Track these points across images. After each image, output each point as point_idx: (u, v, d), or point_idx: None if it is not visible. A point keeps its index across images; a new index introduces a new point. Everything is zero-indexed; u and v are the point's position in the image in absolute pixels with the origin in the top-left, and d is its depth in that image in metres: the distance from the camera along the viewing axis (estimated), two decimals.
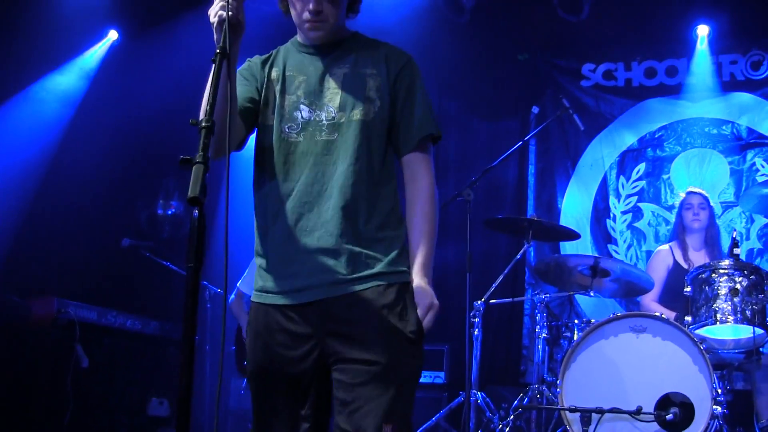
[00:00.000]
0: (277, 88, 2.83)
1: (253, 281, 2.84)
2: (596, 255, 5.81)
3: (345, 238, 2.69)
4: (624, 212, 7.89)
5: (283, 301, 2.73)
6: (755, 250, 7.53)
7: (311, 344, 2.69)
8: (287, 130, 2.78)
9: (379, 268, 2.70)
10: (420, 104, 2.85)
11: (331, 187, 2.72)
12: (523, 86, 8.17)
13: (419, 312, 2.68)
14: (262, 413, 2.77)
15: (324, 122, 2.77)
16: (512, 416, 5.32)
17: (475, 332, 5.72)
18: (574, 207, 8.00)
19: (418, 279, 2.73)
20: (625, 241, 7.84)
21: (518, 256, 5.82)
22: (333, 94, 2.80)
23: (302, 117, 2.78)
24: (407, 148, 2.83)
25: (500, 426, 5.30)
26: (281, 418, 2.73)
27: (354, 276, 2.68)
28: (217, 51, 2.43)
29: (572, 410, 4.74)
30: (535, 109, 7.06)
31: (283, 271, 2.74)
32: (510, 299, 6.15)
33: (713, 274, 5.13)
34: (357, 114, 2.76)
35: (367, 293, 2.67)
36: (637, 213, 7.87)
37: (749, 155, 7.68)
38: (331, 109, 2.77)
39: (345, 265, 2.68)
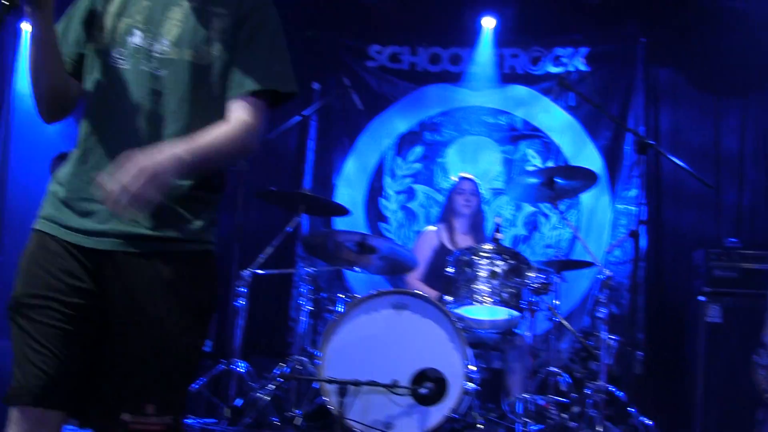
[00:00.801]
0: (115, 10, 2.55)
1: None
2: (364, 232, 5.89)
3: None
4: (398, 192, 8.05)
5: (70, 238, 2.44)
6: (521, 236, 7.84)
7: (90, 291, 2.41)
8: (116, 55, 2.50)
9: (183, 232, 2.44)
10: (265, 52, 2.57)
11: (151, 128, 2.45)
12: (309, 62, 8.18)
13: (125, 169, 2.21)
14: (23, 350, 2.40)
15: (155, 53, 2.49)
16: (272, 386, 5.34)
17: (241, 302, 5.71)
18: (350, 184, 8.10)
19: (166, 148, 2.31)
20: (397, 221, 8.00)
21: (288, 229, 5.83)
22: (172, 26, 2.51)
23: (133, 43, 2.50)
24: (234, 94, 2.53)
25: (260, 395, 5.31)
26: (43, 352, 2.37)
27: (154, 234, 2.41)
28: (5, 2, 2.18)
29: (330, 381, 4.79)
30: (316, 86, 7.10)
31: (80, 206, 2.44)
32: (278, 271, 6.16)
33: (475, 257, 5.31)
34: (190, 54, 2.49)
35: (161, 256, 2.42)
36: (410, 194, 8.04)
37: (522, 146, 7.99)
38: (165, 42, 2.50)
39: (147, 219, 2.39)
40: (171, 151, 2.31)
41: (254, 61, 2.55)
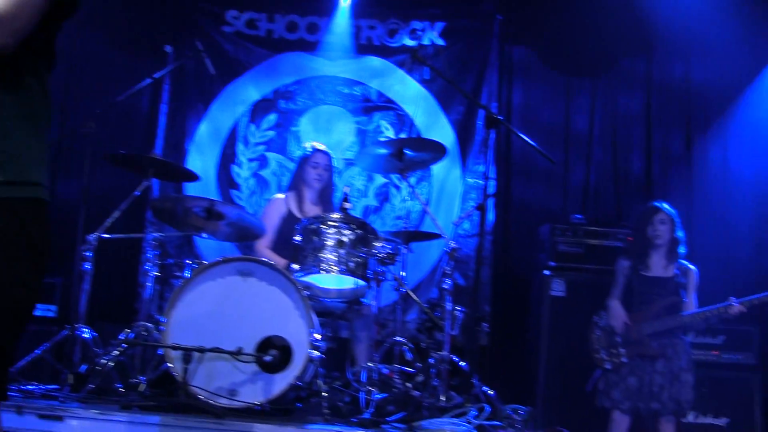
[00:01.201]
0: None
1: None
2: (212, 198, 5.81)
3: None
4: (251, 160, 7.98)
5: None
6: (371, 207, 7.88)
7: None
8: None
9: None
10: None
11: None
12: (164, 25, 8.02)
13: None
14: None
15: None
16: (116, 352, 5.24)
17: (86, 266, 5.57)
18: (202, 150, 7.99)
19: None
20: (249, 188, 7.94)
21: (136, 193, 5.71)
22: None
23: None
24: None
25: (104, 361, 5.20)
26: None
27: None
28: None
29: (174, 348, 4.73)
30: (168, 48, 6.98)
31: None
32: (125, 235, 6.03)
33: (322, 226, 5.29)
34: None
35: None
36: (263, 162, 7.99)
37: (376, 117, 8.03)
38: None
39: None
40: None
41: None
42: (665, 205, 6.23)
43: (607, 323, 6.10)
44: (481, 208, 5.47)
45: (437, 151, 5.89)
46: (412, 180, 7.73)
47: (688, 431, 6.55)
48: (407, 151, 5.71)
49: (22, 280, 2.35)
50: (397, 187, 7.82)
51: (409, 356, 5.61)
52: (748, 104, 8.16)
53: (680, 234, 6.15)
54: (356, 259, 5.28)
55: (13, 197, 2.32)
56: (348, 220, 5.33)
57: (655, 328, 5.94)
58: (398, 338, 5.63)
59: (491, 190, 7.75)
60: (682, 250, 6.15)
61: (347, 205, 5.43)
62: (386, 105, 8.04)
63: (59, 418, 4.51)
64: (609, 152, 8.17)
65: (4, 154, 2.32)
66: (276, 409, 4.86)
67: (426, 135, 7.72)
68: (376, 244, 5.36)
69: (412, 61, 7.81)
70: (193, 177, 6.10)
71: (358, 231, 5.32)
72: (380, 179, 7.87)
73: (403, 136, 7.81)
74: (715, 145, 8.18)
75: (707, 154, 8.16)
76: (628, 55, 8.32)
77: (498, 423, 5.07)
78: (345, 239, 5.26)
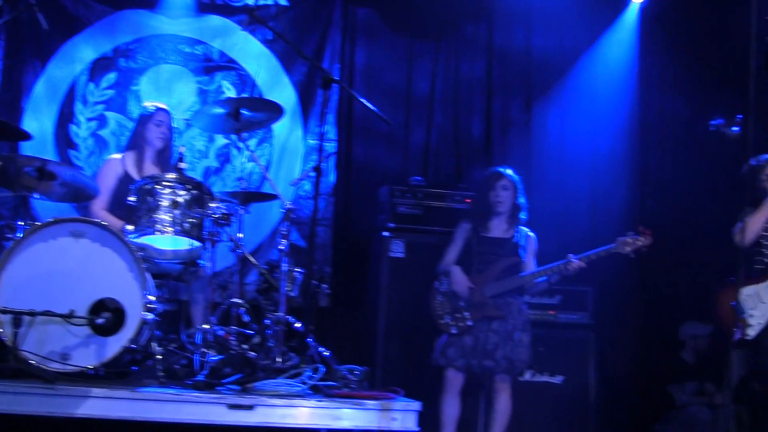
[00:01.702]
0: None
1: None
2: (44, 158, 5.66)
3: None
4: (90, 119, 7.78)
5: None
6: (212, 168, 7.82)
7: None
8: None
9: None
10: None
11: None
12: None
13: None
14: None
15: None
16: None
17: None
18: (40, 108, 7.73)
19: None
20: (87, 148, 7.75)
21: None
22: None
23: None
24: None
25: None
26: None
27: None
28: None
29: (3, 312, 4.62)
30: None
31: None
32: None
33: (157, 186, 5.23)
34: None
35: None
36: (102, 121, 7.80)
37: (217, 77, 7.95)
38: None
39: None
40: None
41: None
42: (509, 171, 6.31)
43: (449, 288, 6.16)
44: (317, 170, 5.50)
45: (274, 111, 5.89)
46: (253, 141, 7.71)
47: (525, 389, 6.75)
48: (244, 111, 5.68)
49: None
50: (238, 148, 7.77)
51: (246, 318, 5.61)
52: (584, 73, 8.42)
53: (522, 200, 6.28)
54: (191, 220, 5.25)
55: None
56: (183, 181, 5.29)
57: (497, 290, 6.06)
58: (235, 300, 5.63)
59: (332, 150, 7.80)
60: (523, 216, 6.27)
61: (182, 165, 5.40)
62: (228, 65, 7.96)
63: None
64: (450, 116, 8.31)
65: None
66: (110, 373, 4.83)
67: (268, 96, 7.67)
68: (212, 204, 5.34)
69: (250, 21, 7.75)
70: (25, 136, 5.93)
71: (194, 191, 5.29)
72: (221, 140, 7.80)
73: (245, 96, 7.74)
74: (553, 112, 8.42)
75: (546, 122, 8.40)
76: (471, 20, 8.45)
77: (333, 383, 5.14)
78: (180, 200, 5.23)
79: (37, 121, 7.65)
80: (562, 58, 8.44)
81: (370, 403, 4.76)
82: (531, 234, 6.26)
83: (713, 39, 8.21)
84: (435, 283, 6.24)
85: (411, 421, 4.78)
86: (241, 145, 5.73)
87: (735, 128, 5.66)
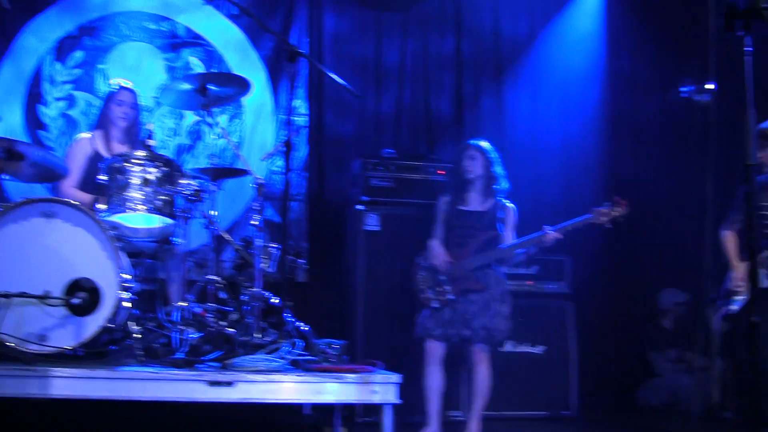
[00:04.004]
0: None
1: None
2: (11, 138, 5.60)
3: None
4: (58, 99, 7.69)
5: None
6: (185, 145, 7.77)
7: None
8: None
9: None
10: None
11: None
12: None
13: None
14: None
15: None
16: None
17: None
18: (7, 89, 7.63)
19: None
20: (57, 128, 7.68)
21: None
22: None
23: None
24: None
25: None
26: None
27: None
28: None
29: None
30: None
31: None
32: None
33: (127, 164, 5.18)
34: None
35: None
36: (71, 101, 7.71)
37: (185, 54, 7.88)
38: None
39: None
40: None
41: None
42: (479, 142, 6.30)
43: (430, 263, 6.19)
44: (288, 144, 5.47)
45: (241, 86, 5.83)
46: (224, 118, 7.67)
47: (506, 360, 6.79)
48: (211, 87, 5.63)
49: None
50: (210, 125, 7.67)
51: (222, 295, 5.59)
52: (553, 46, 8.43)
53: (498, 170, 6.26)
54: (163, 197, 5.20)
55: None
56: (153, 158, 5.25)
57: (476, 263, 6.05)
58: (211, 277, 5.60)
59: (303, 124, 7.77)
60: (501, 186, 6.26)
61: (151, 142, 5.35)
62: (194, 41, 7.89)
63: None
64: (420, 86, 8.32)
65: None
66: (89, 353, 4.81)
67: (236, 71, 7.59)
68: (182, 181, 5.30)
69: None
70: None
71: (164, 168, 5.24)
72: (192, 117, 7.74)
73: (212, 72, 7.66)
74: (524, 86, 8.43)
75: (517, 94, 8.41)
76: None
77: (312, 357, 5.13)
78: (151, 177, 5.18)
79: (5, 102, 7.55)
80: (531, 32, 8.45)
81: (350, 376, 4.77)
82: (510, 205, 6.24)
83: (678, 3, 8.24)
84: (417, 258, 6.25)
85: (391, 394, 4.79)
86: (210, 120, 5.69)
87: (704, 95, 5.68)
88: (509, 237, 6.16)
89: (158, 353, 5.03)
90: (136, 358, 4.84)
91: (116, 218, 5.20)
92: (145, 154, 5.25)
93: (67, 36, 7.77)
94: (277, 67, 7.93)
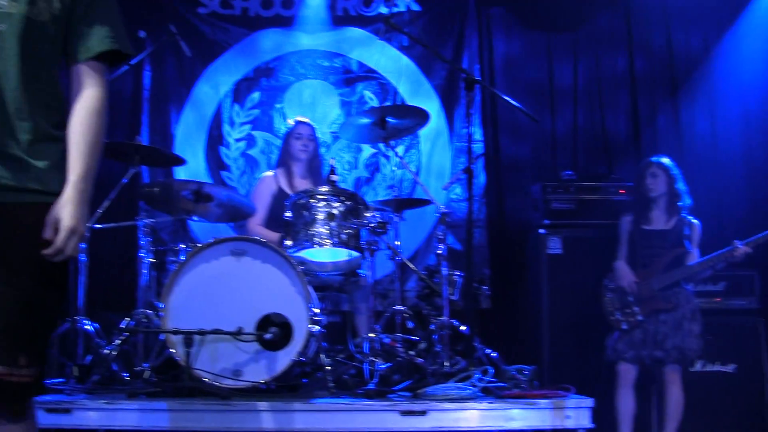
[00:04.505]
0: None
1: None
2: (200, 181, 5.78)
3: (1, 140, 2.49)
4: (238, 140, 7.93)
5: None
6: (363, 178, 7.86)
7: None
8: None
9: (34, 183, 2.52)
10: (103, 16, 2.68)
11: None
12: (137, 10, 7.94)
13: (59, 237, 2.48)
14: None
15: None
16: (118, 341, 5.23)
17: (82, 258, 5.54)
18: (189, 133, 7.93)
19: (71, 192, 2.53)
20: (238, 168, 7.90)
21: (124, 180, 5.68)
22: None
23: None
24: (79, 57, 2.65)
25: (107, 351, 5.20)
26: None
27: (5, 183, 2.49)
28: None
29: (174, 332, 4.73)
30: (142, 34, 6.90)
31: None
32: (116, 224, 5.98)
33: (311, 200, 5.26)
34: (30, 10, 2.53)
35: (16, 207, 2.50)
36: (250, 141, 7.94)
37: (359, 88, 8.00)
38: None
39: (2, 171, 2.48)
40: (75, 195, 2.52)
41: (98, 25, 2.66)
42: (661, 159, 6.19)
43: (617, 285, 6.08)
44: (468, 171, 5.45)
45: (420, 117, 5.87)
46: (400, 149, 7.70)
47: (697, 380, 6.55)
48: (390, 119, 5.69)
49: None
50: (387, 157, 7.79)
51: (410, 324, 5.60)
52: (729, 63, 8.15)
53: (680, 187, 6.12)
54: (348, 231, 5.26)
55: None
56: (336, 192, 5.32)
57: (664, 282, 5.93)
58: (398, 307, 5.62)
59: (479, 151, 7.74)
60: (684, 203, 6.11)
61: (334, 177, 5.42)
62: (368, 75, 8.00)
63: (67, 411, 4.54)
64: (596, 105, 8.16)
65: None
66: (281, 387, 4.90)
67: (410, 102, 7.69)
68: (367, 214, 5.33)
69: (386, 29, 7.77)
70: (179, 161, 6.10)
71: (348, 202, 5.30)
72: (369, 150, 7.84)
73: (387, 104, 7.75)
74: (700, 104, 8.16)
75: (694, 112, 8.15)
76: (607, 10, 8.27)
77: (503, 384, 5.08)
78: (335, 211, 5.25)
79: (188, 146, 7.83)
80: (705, 45, 8.19)
81: (542, 402, 4.70)
82: (695, 221, 6.07)
83: None
84: (605, 281, 6.14)
85: (585, 418, 4.71)
86: (389, 153, 5.71)
87: None
88: (695, 253, 5.99)
89: (349, 384, 5.07)
90: (327, 390, 4.88)
91: (303, 253, 5.28)
92: (328, 189, 5.32)
93: (244, 78, 8.02)
94: (450, 96, 7.93)
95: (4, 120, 2.50)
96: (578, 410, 4.69)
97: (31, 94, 2.54)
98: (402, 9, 8.02)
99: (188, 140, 7.90)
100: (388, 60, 8.00)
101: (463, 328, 5.40)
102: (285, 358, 4.80)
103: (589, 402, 4.73)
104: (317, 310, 4.95)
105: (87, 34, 2.65)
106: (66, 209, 2.51)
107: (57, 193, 2.54)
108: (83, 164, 2.58)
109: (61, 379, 5.21)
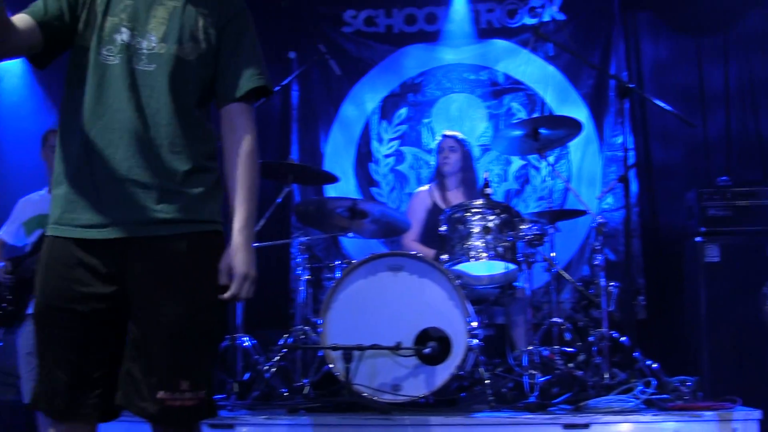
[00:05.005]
0: (101, 8, 2.65)
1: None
2: (355, 197, 5.86)
3: (156, 174, 2.58)
4: (387, 156, 8.01)
5: (83, 234, 2.56)
6: (513, 190, 7.82)
7: (109, 285, 2.56)
8: (105, 52, 2.61)
9: (191, 213, 2.61)
10: (248, 55, 2.77)
11: (145, 119, 2.59)
12: (285, 32, 8.11)
13: (234, 284, 2.58)
14: (45, 359, 2.60)
15: (144, 50, 2.62)
16: (277, 357, 5.34)
17: None
18: (338, 151, 8.06)
19: (238, 239, 2.63)
20: (388, 184, 7.97)
21: (278, 200, 5.79)
22: (158, 24, 2.65)
23: (122, 40, 2.62)
24: (229, 97, 2.73)
25: (266, 367, 5.31)
26: (65, 364, 2.55)
27: (164, 217, 2.57)
28: None
29: (334, 348, 4.80)
30: (292, 55, 7.07)
31: (86, 201, 2.57)
32: (271, 242, 6.11)
33: (467, 213, 5.29)
34: (178, 50, 2.64)
35: (174, 238, 2.57)
36: (399, 157, 8.01)
37: (506, 100, 7.97)
38: (153, 38, 2.63)
39: (155, 204, 2.57)
40: (242, 241, 2.63)
41: (246, 64, 2.75)
42: None
43: None
44: (624, 180, 5.37)
45: (572, 127, 5.82)
46: (551, 159, 7.64)
47: None
48: (542, 130, 5.67)
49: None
50: (536, 168, 7.74)
51: (567, 336, 5.54)
52: None
53: None
54: (504, 244, 5.25)
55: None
56: (491, 205, 5.32)
57: None
58: (555, 319, 5.57)
59: (631, 160, 7.60)
60: None
61: (488, 190, 5.43)
62: (514, 86, 7.97)
63: (230, 426, 4.65)
64: (749, 108, 7.93)
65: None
66: (440, 401, 4.90)
67: (558, 112, 7.63)
68: (522, 226, 5.31)
69: (535, 39, 7.71)
70: (332, 179, 6.18)
71: (503, 215, 5.30)
72: (518, 162, 7.80)
73: (535, 115, 7.70)
74: None
75: None
76: (756, 8, 8.05)
77: (666, 396, 4.98)
78: (490, 225, 5.25)
79: (338, 163, 7.94)
80: None
81: (708, 414, 4.60)
82: None
83: None
84: (764, 288, 5.96)
85: (753, 431, 4.55)
86: (541, 164, 5.68)
87: None
88: None
89: (508, 398, 5.05)
90: (487, 403, 4.87)
91: (459, 267, 5.30)
92: (483, 203, 5.32)
93: (391, 94, 8.10)
94: (599, 104, 7.83)
95: (158, 154, 2.59)
96: (746, 422, 4.56)
97: (183, 129, 2.63)
98: (547, 19, 7.97)
99: (337, 158, 8.02)
100: (534, 71, 7.95)
101: (623, 339, 5.31)
102: (444, 372, 4.81)
103: (757, 414, 4.60)
104: (475, 324, 4.94)
105: (235, 74, 2.74)
106: (237, 257, 2.60)
107: (208, 221, 2.65)
108: (245, 210, 2.68)
109: (221, 395, 5.34)
